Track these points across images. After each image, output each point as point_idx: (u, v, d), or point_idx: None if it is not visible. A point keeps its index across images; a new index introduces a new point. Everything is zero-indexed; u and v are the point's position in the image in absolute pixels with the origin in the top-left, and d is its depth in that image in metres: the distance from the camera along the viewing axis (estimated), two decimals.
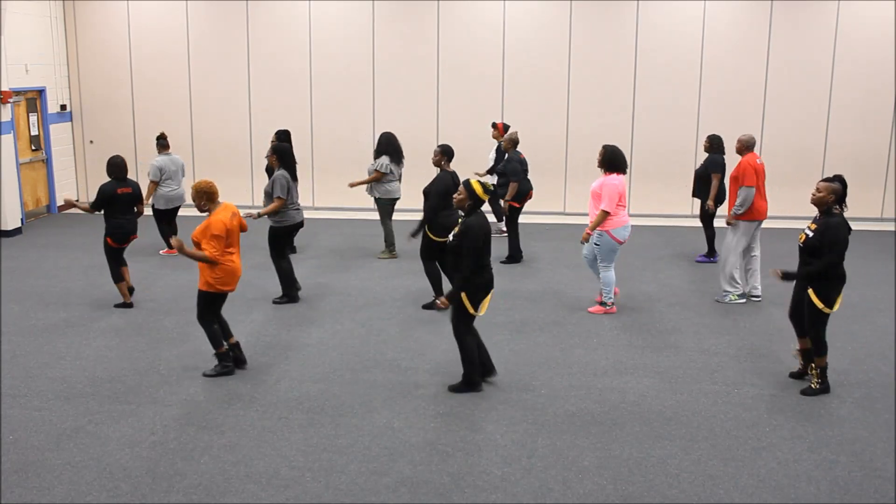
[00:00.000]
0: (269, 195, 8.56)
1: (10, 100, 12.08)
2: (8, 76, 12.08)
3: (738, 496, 4.91)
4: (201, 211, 6.54)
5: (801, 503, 4.85)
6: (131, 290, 8.63)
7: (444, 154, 8.72)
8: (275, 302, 8.67)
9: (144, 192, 9.29)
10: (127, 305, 8.51)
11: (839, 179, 6.18)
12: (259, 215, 8.57)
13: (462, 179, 6.45)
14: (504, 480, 5.07)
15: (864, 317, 8.34)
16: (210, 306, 6.61)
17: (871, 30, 12.67)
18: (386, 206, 10.50)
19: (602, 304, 8.45)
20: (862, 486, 5.04)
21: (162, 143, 10.68)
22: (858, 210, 13.22)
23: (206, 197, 6.47)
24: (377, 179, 10.31)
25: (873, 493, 4.97)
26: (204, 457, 5.33)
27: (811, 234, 6.18)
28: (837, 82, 12.92)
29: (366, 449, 5.45)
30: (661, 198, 13.23)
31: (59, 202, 13.58)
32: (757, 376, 6.74)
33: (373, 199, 10.64)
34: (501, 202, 10.33)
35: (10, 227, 11.86)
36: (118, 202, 8.34)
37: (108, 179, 8.43)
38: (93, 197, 8.67)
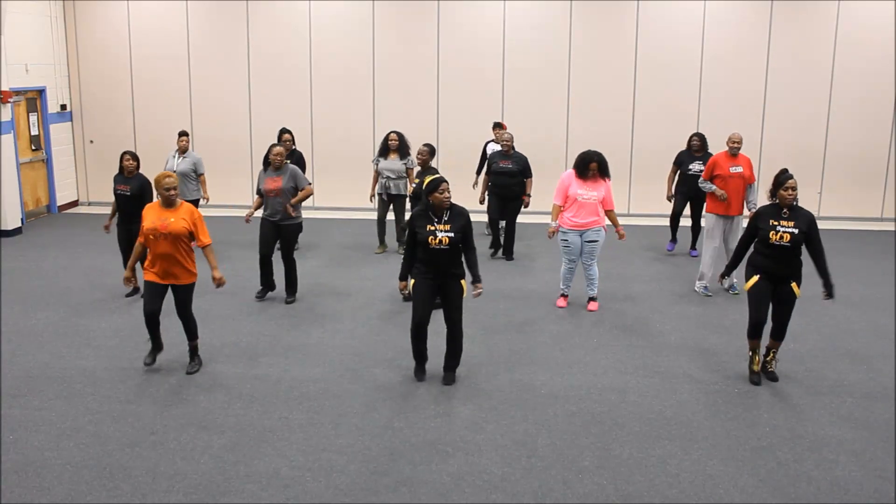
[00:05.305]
0: (288, 192, 8.39)
1: (11, 100, 12.08)
2: (8, 76, 12.07)
3: (738, 496, 4.91)
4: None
5: (801, 503, 4.86)
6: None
7: (431, 154, 9.23)
8: (287, 302, 8.69)
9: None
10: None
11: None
12: (292, 205, 8.42)
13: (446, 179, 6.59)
14: (504, 480, 5.07)
15: (864, 316, 8.34)
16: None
17: (871, 30, 12.66)
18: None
19: (563, 294, 8.75)
20: (862, 486, 5.04)
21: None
22: (858, 210, 13.24)
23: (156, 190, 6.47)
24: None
25: (873, 492, 4.97)
26: (204, 457, 5.33)
27: (796, 231, 6.27)
28: (837, 82, 12.92)
29: (366, 449, 5.45)
30: (661, 197, 13.19)
31: (60, 202, 13.60)
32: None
33: (405, 195, 10.58)
34: (524, 199, 10.43)
35: (10, 227, 11.86)
36: None
37: (109, 179, 8.42)
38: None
